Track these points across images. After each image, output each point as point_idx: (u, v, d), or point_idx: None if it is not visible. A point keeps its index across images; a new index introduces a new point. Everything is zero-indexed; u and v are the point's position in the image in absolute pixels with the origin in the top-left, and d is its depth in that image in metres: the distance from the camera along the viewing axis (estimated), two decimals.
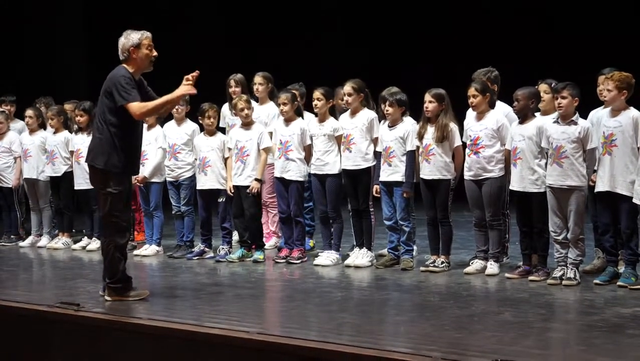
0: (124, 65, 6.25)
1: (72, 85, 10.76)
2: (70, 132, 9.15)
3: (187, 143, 8.42)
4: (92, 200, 8.77)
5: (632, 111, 6.48)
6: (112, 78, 6.21)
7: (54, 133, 9.23)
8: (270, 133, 8.04)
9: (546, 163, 6.71)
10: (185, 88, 6.23)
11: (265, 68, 8.67)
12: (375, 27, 13.38)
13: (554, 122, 6.66)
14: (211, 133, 8.25)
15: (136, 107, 6.13)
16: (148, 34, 6.30)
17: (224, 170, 8.17)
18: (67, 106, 9.42)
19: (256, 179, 7.87)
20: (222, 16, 14.36)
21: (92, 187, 8.44)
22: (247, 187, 7.88)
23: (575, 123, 6.58)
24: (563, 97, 6.57)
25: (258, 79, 8.51)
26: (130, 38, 6.26)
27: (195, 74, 6.24)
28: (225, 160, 8.15)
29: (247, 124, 8.00)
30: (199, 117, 8.26)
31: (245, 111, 7.93)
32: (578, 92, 6.57)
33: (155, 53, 6.30)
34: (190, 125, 8.49)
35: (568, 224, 6.59)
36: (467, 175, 7.14)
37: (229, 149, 8.07)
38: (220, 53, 13.26)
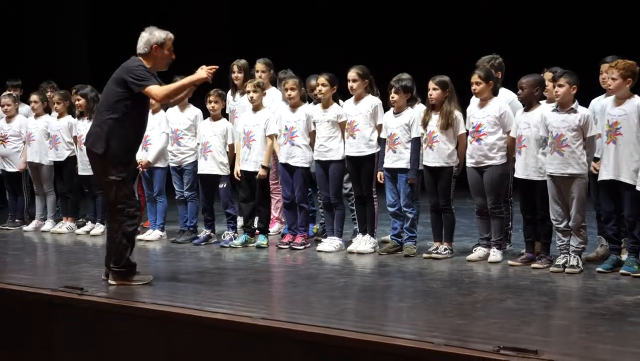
0: (140, 58, 6.22)
1: (74, 75, 10.79)
2: (74, 117, 9.16)
3: (190, 129, 8.43)
4: (94, 185, 8.79)
5: (637, 99, 6.47)
6: (126, 67, 6.17)
7: (58, 118, 9.24)
8: None
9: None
10: (203, 73, 6.18)
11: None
12: (377, 16, 13.34)
13: (554, 110, 6.65)
14: (215, 119, 8.25)
15: (157, 89, 6.10)
16: (171, 36, 6.29)
17: (225, 156, 8.17)
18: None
19: (262, 166, 7.88)
20: (222, 7, 14.34)
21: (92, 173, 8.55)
22: (254, 172, 7.90)
23: (575, 112, 6.56)
24: (560, 85, 6.56)
25: (260, 65, 8.50)
26: (154, 35, 6.23)
27: (213, 67, 6.23)
28: (230, 146, 8.17)
29: (255, 109, 8.01)
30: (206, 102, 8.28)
31: (251, 94, 7.93)
32: (576, 79, 6.55)
33: (174, 56, 6.30)
34: (193, 111, 8.49)
35: (570, 212, 6.59)
36: (469, 162, 7.14)
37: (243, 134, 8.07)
38: (221, 43, 13.25)
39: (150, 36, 6.24)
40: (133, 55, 6.29)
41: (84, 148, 8.70)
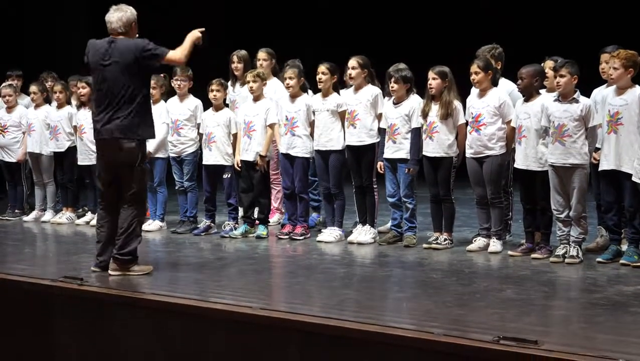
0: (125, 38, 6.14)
1: (74, 66, 10.77)
2: (71, 107, 9.14)
3: (190, 119, 8.42)
4: (94, 175, 8.77)
5: (638, 89, 6.46)
6: (129, 49, 6.03)
7: (58, 108, 9.23)
8: None
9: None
10: (196, 32, 6.18)
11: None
12: (377, 16, 13.31)
13: (555, 100, 6.64)
14: (218, 109, 8.23)
15: (178, 53, 6.02)
16: None
17: (229, 146, 8.17)
18: (70, 82, 9.40)
19: (260, 155, 7.87)
20: (220, 6, 14.32)
21: (93, 162, 8.58)
22: (254, 162, 7.89)
23: (577, 101, 6.55)
24: (561, 76, 6.55)
25: (262, 54, 8.48)
26: (131, 12, 6.17)
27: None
28: (234, 136, 8.16)
29: (255, 99, 7.99)
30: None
31: (251, 84, 7.92)
32: (577, 69, 6.54)
33: None
34: (192, 101, 8.48)
35: (570, 202, 6.59)
36: (468, 152, 7.13)
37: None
38: (220, 41, 13.22)
39: (129, 14, 6.14)
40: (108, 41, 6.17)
41: (84, 138, 8.76)
